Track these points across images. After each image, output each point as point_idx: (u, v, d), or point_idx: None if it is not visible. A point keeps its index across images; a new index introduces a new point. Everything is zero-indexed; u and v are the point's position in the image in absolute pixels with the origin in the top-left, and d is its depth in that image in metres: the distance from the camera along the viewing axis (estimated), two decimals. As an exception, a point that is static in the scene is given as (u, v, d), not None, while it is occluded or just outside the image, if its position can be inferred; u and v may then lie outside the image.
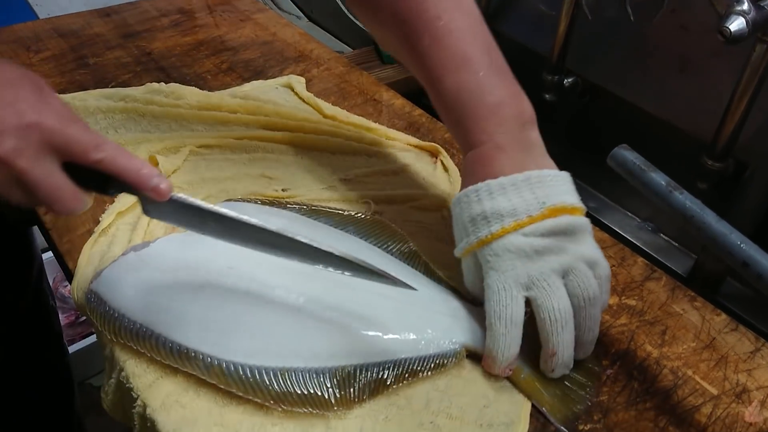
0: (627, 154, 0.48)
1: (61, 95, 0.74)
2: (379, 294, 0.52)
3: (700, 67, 0.68)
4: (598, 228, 0.62)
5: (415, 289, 0.49)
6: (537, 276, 0.47)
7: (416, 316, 0.51)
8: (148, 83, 0.77)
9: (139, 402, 0.46)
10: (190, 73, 0.84)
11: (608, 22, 0.76)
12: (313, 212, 0.59)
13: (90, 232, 0.58)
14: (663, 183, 0.46)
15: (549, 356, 0.48)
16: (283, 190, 0.64)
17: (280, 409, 0.46)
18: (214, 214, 0.46)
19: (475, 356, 0.51)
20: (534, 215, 0.48)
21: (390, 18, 0.55)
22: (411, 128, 0.77)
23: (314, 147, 0.71)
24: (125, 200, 0.61)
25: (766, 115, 0.64)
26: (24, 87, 0.42)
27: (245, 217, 0.45)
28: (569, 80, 0.82)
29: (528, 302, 0.48)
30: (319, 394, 0.46)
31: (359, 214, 0.59)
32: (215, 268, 0.51)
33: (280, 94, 0.79)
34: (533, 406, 0.49)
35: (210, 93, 0.77)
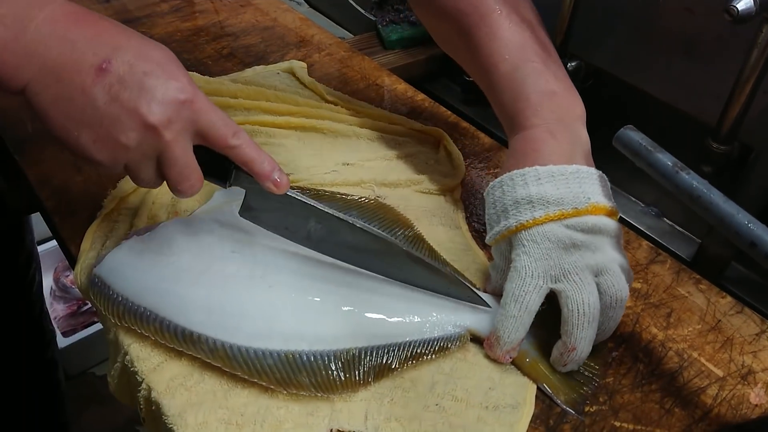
0: (633, 134, 0.48)
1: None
2: (383, 278, 0.51)
3: (706, 50, 0.67)
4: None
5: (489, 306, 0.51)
6: (570, 269, 0.47)
7: (420, 300, 0.51)
8: (149, 69, 0.76)
9: (144, 385, 0.46)
10: (190, 58, 0.83)
11: (612, 5, 0.75)
12: (316, 197, 0.58)
13: (92, 217, 0.58)
14: (669, 163, 0.46)
15: (567, 350, 0.47)
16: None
17: (285, 392, 0.45)
18: (320, 212, 0.49)
19: (479, 341, 0.51)
20: (579, 209, 0.47)
21: (450, 11, 0.56)
22: (414, 113, 0.76)
23: (316, 132, 0.70)
24: (127, 185, 0.61)
25: (772, 97, 0.63)
26: (181, 66, 0.44)
27: (353, 220, 0.49)
28: (572, 64, 0.81)
29: (552, 294, 0.48)
30: (324, 376, 0.46)
31: (363, 199, 0.59)
32: (219, 252, 0.50)
33: (281, 80, 0.78)
34: (539, 388, 0.48)
35: (211, 78, 0.76)
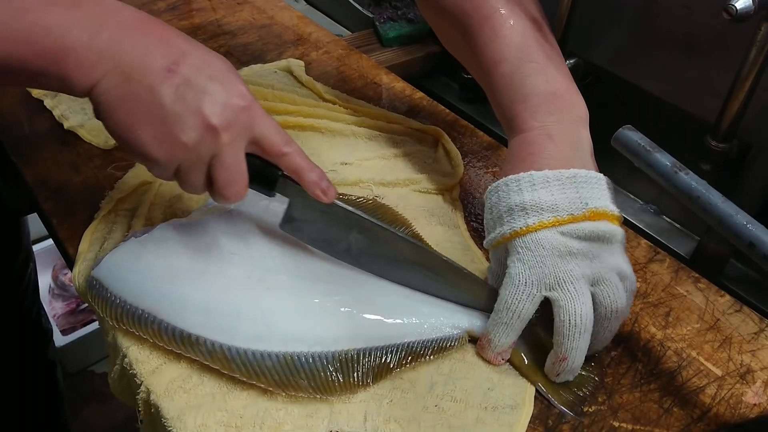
0: (631, 134, 0.48)
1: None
2: (381, 278, 0.51)
3: (704, 48, 0.67)
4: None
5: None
6: (564, 278, 0.46)
7: (419, 301, 0.51)
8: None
9: (143, 388, 0.46)
10: (187, 57, 0.83)
11: (610, 2, 0.75)
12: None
13: (90, 219, 0.58)
14: (668, 164, 0.46)
15: (558, 360, 0.47)
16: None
17: (284, 394, 0.46)
18: (363, 221, 0.49)
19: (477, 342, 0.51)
20: (576, 215, 0.46)
21: (453, 12, 0.56)
22: (412, 111, 0.76)
23: (314, 131, 0.70)
24: (124, 186, 0.61)
25: (771, 95, 0.63)
26: (239, 75, 0.46)
27: (396, 231, 0.49)
28: (571, 62, 0.81)
29: (546, 302, 0.47)
30: (323, 378, 0.46)
31: (361, 199, 0.59)
32: (217, 254, 0.50)
33: (279, 78, 0.78)
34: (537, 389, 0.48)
35: (208, 77, 0.76)
